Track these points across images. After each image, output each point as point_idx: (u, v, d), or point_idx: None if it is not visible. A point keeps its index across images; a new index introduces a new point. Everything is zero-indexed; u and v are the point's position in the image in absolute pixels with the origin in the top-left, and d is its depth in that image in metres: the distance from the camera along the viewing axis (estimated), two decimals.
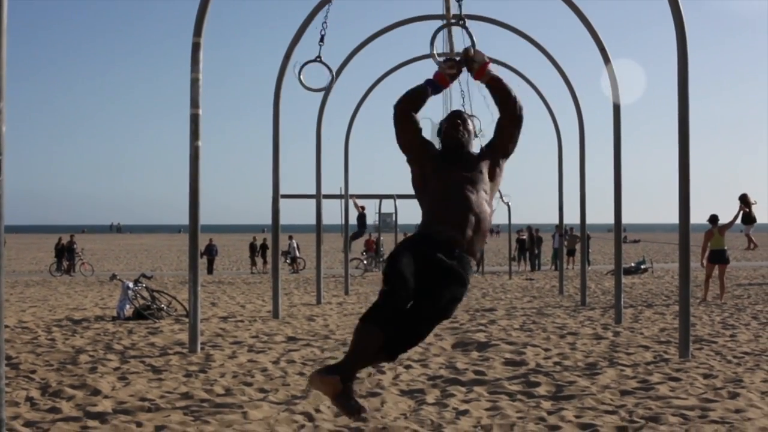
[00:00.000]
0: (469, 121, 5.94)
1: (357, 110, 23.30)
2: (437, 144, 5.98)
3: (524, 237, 40.66)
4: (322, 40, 11.95)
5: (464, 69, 5.96)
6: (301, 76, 12.41)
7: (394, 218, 38.55)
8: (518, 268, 39.15)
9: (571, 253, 38.83)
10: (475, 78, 5.89)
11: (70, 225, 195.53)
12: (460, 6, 6.59)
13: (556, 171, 23.42)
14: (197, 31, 12.19)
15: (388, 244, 48.02)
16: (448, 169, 5.65)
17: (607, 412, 7.97)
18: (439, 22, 21.24)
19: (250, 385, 9.39)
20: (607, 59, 15.45)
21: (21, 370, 10.26)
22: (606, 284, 26.56)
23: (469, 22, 6.46)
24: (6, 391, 8.56)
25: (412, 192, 5.94)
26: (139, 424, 7.51)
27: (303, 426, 7.49)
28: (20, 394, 8.74)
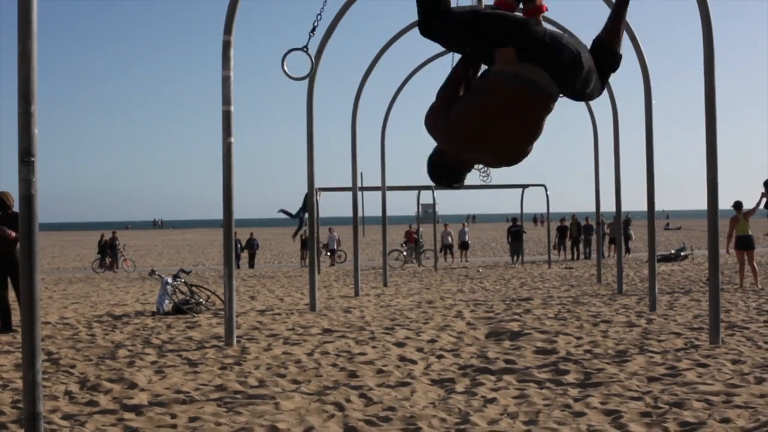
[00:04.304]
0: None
1: (393, 101, 23.44)
2: None
3: (566, 224, 40.50)
4: (313, 30, 12.09)
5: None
6: (285, 65, 12.55)
7: (433, 209, 38.39)
8: (558, 257, 39.02)
9: (614, 241, 38.38)
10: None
11: (113, 222, 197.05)
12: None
13: (592, 159, 23.52)
14: (227, 30, 12.37)
15: (427, 235, 48.23)
16: None
17: (632, 398, 8.06)
18: None
19: (283, 376, 9.56)
20: (638, 49, 15.44)
21: (61, 365, 10.50)
22: (645, 272, 26.46)
23: None
24: (45, 385, 8.84)
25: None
26: (173, 416, 7.70)
27: (333, 416, 7.64)
28: (59, 388, 8.96)
